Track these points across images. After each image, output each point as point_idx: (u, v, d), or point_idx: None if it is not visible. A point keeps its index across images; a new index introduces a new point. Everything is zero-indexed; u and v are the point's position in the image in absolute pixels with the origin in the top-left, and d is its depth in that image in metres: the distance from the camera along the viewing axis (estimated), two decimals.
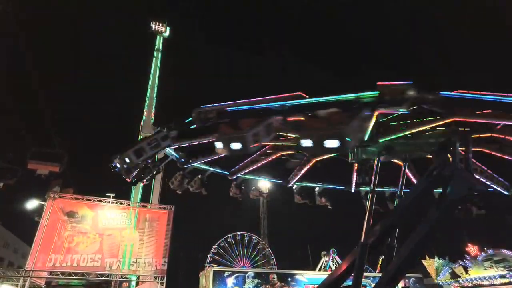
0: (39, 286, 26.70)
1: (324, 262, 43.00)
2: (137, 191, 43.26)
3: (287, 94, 7.61)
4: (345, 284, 7.43)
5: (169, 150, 10.08)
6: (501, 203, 11.60)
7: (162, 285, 26.84)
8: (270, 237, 48.17)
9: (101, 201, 28.65)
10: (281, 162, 11.93)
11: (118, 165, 8.26)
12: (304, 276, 31.36)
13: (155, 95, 52.90)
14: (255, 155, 11.68)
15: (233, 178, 12.35)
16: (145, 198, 42.82)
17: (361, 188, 12.27)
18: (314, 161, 11.77)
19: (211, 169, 11.98)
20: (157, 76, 55.16)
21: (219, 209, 70.87)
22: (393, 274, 6.48)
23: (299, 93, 7.54)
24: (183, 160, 10.96)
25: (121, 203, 29.60)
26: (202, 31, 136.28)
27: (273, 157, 11.61)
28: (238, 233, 43.14)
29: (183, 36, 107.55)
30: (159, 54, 57.88)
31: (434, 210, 6.76)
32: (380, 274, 28.94)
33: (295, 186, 13.12)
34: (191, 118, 7.95)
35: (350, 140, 6.16)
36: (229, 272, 30.17)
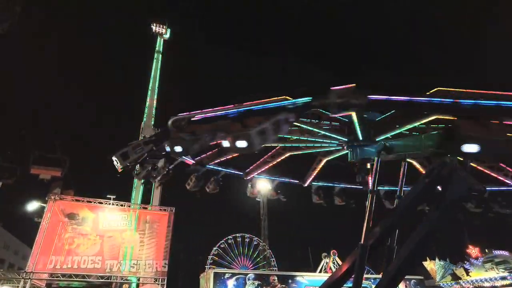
0: None
1: (325, 264, 42.87)
2: (137, 193, 43.30)
3: (273, 98, 8.06)
4: (345, 285, 7.41)
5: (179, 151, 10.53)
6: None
7: (163, 287, 26.80)
8: (271, 238, 48.02)
9: (101, 203, 28.65)
10: (294, 162, 12.17)
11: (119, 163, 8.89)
12: (304, 278, 31.25)
13: (155, 96, 53.02)
14: (266, 155, 11.91)
15: (247, 178, 12.47)
16: (146, 200, 42.82)
17: (379, 188, 12.23)
18: (324, 160, 11.87)
19: (225, 170, 12.17)
20: (157, 77, 55.31)
21: (220, 211, 70.80)
22: (393, 275, 6.45)
23: (284, 96, 8.01)
24: (194, 162, 11.30)
25: (121, 205, 29.57)
26: (202, 31, 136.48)
27: (282, 157, 11.81)
28: (238, 234, 43.01)
29: (183, 36, 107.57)
30: (160, 56, 58.00)
31: (434, 210, 6.76)
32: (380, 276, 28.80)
33: (312, 186, 13.26)
34: (168, 125, 8.79)
35: (256, 142, 7.09)
36: (230, 274, 30.09)
